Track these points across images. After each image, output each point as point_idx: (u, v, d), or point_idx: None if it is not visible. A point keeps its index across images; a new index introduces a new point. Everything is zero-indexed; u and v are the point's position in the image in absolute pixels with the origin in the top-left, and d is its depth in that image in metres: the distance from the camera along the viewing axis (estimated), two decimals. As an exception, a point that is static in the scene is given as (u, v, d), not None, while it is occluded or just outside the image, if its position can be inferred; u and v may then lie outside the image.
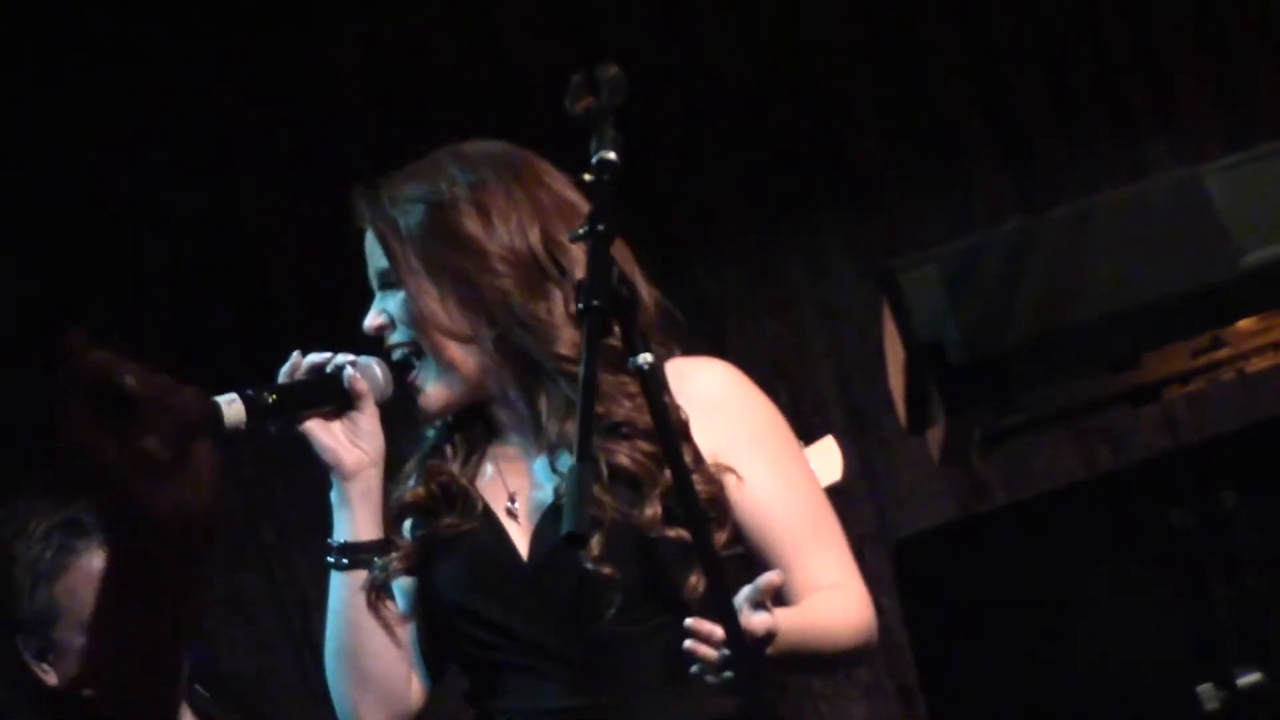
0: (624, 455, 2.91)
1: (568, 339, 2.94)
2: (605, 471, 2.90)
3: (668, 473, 2.80)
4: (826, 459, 4.30)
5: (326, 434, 3.01)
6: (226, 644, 5.43)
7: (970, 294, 2.68)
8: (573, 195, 3.01)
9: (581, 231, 2.68)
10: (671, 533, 2.86)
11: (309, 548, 5.02)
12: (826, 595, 2.89)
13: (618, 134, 2.74)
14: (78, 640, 3.92)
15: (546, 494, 2.99)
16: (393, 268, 3.03)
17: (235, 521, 5.39)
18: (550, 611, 2.96)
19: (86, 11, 5.24)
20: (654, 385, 2.67)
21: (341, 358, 3.03)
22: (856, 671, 5.72)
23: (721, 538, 2.92)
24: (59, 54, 5.28)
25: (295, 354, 3.03)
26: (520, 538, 3.00)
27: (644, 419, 2.86)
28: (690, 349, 3.11)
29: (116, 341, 1.59)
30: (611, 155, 2.72)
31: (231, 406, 2.87)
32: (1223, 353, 2.91)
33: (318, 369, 3.03)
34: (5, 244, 5.27)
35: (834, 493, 5.18)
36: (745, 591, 2.67)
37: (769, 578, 2.68)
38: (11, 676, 4.01)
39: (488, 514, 3.02)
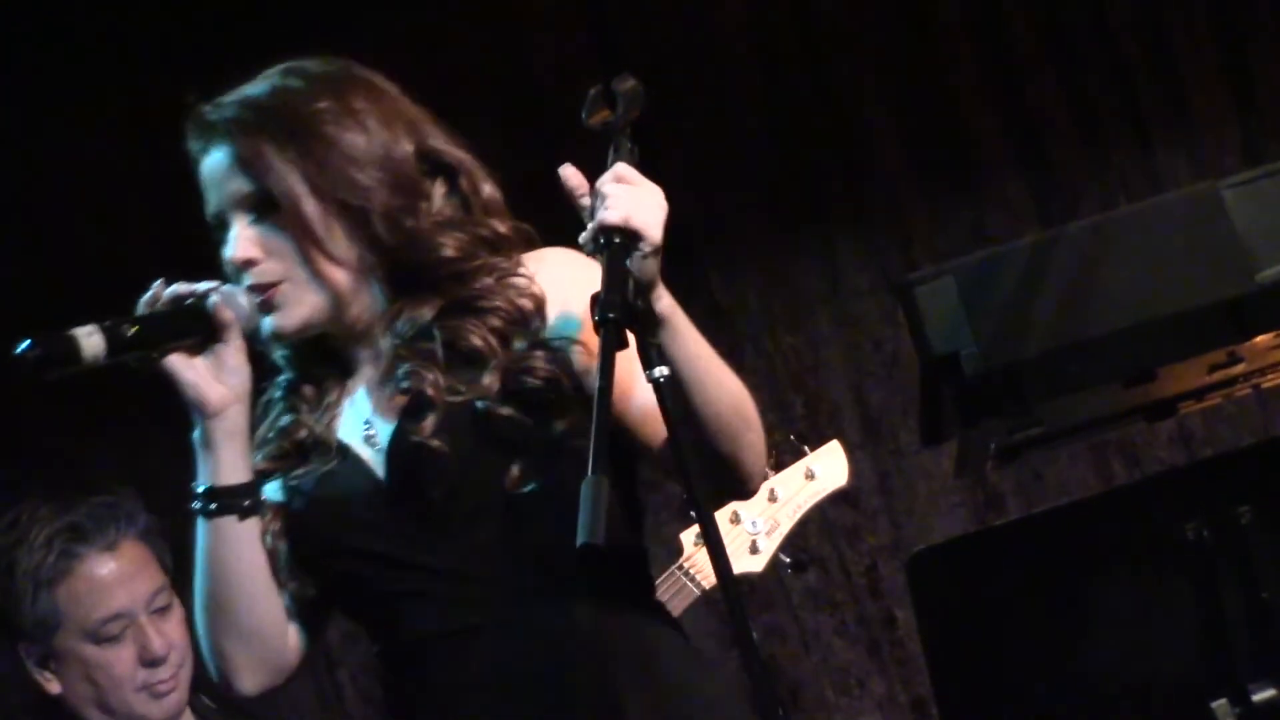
0: (477, 336, 2.81)
1: (451, 243, 2.86)
2: (440, 350, 2.81)
3: (516, 345, 2.77)
4: (832, 463, 4.29)
5: (189, 369, 2.82)
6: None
7: (986, 307, 2.68)
8: (408, 103, 2.92)
9: (599, 244, 2.67)
10: (503, 410, 2.78)
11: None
12: None
13: (634, 146, 2.73)
14: (80, 647, 3.90)
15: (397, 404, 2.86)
16: (266, 189, 2.84)
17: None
18: (417, 527, 2.83)
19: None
20: (668, 396, 2.61)
21: (205, 286, 2.83)
22: (870, 684, 5.72)
23: (561, 425, 2.81)
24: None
25: (157, 283, 2.83)
26: (379, 462, 2.86)
27: (512, 305, 2.81)
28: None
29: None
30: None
31: (90, 339, 2.71)
32: (1238, 368, 2.91)
33: (180, 299, 2.82)
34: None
35: (844, 500, 5.17)
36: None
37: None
38: (13, 684, 4.00)
39: (343, 450, 2.88)
